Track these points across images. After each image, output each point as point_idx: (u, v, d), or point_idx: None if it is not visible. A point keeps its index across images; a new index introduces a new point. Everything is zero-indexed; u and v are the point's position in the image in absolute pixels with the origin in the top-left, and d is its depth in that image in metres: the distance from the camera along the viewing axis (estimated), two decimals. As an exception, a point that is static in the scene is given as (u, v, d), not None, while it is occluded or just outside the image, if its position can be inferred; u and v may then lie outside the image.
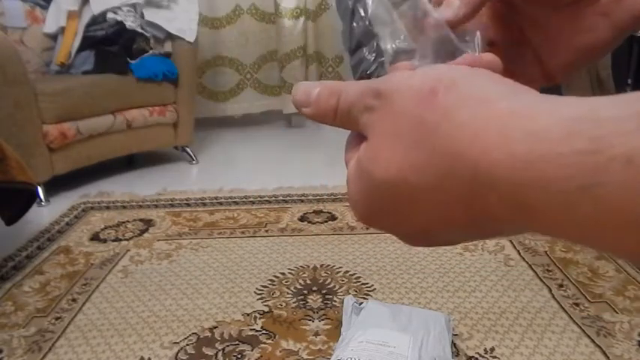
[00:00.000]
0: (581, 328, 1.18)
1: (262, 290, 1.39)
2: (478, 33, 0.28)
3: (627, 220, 0.15)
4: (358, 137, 0.27)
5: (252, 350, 1.15)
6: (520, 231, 0.20)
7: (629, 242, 0.16)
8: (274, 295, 1.36)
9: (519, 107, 0.19)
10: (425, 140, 0.21)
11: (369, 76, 0.28)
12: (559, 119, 0.17)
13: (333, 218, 1.85)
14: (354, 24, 0.29)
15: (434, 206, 0.22)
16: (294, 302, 1.33)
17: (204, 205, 2.02)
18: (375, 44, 0.29)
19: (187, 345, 1.18)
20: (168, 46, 2.47)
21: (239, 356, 1.14)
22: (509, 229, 0.21)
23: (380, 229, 0.26)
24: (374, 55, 0.29)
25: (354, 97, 0.25)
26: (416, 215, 0.23)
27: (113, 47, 2.38)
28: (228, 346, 1.17)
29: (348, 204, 0.26)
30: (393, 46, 0.28)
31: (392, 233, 0.25)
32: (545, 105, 0.18)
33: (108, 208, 2.03)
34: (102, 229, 1.82)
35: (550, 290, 1.34)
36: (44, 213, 1.99)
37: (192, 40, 2.46)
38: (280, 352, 1.14)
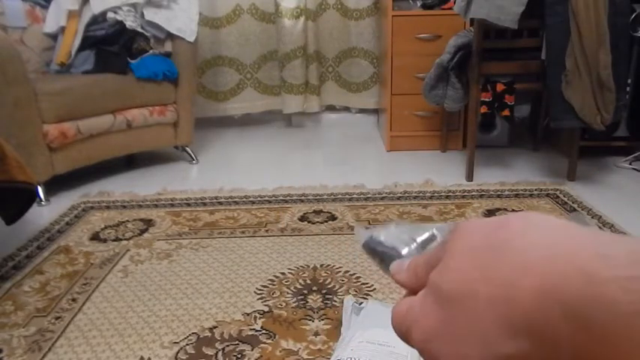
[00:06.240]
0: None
1: (262, 290, 1.39)
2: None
3: None
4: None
5: (252, 350, 1.15)
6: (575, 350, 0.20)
7: None
8: (274, 295, 1.36)
9: (591, 232, 0.21)
10: (495, 254, 0.22)
11: None
12: (626, 249, 0.19)
13: (333, 218, 1.85)
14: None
15: (495, 319, 0.21)
16: (294, 302, 1.33)
17: (204, 204, 2.02)
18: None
19: (187, 345, 1.18)
20: (168, 46, 2.47)
21: (239, 356, 1.14)
22: (565, 346, 0.20)
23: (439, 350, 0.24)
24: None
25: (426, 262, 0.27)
26: (476, 333, 0.22)
27: (113, 47, 2.38)
28: (228, 345, 1.17)
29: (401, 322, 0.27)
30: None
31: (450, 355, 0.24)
32: (613, 236, 0.20)
33: (108, 207, 2.02)
34: (102, 229, 1.82)
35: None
36: (44, 213, 1.99)
37: (192, 39, 2.46)
38: (280, 352, 1.14)
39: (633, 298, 0.17)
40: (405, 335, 0.26)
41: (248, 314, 1.29)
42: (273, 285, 1.42)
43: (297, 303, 1.32)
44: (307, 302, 1.33)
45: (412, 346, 0.26)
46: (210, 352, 1.15)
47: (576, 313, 0.18)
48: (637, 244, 0.19)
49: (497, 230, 0.23)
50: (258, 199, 2.06)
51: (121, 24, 2.38)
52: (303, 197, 2.06)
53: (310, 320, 1.25)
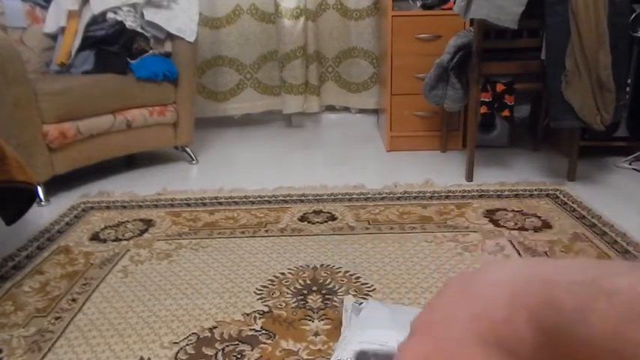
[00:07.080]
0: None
1: (262, 290, 1.39)
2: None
3: (607, 347, 0.19)
4: None
5: (252, 350, 1.15)
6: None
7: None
8: (274, 295, 1.36)
9: (554, 259, 0.25)
10: (473, 284, 0.26)
11: None
12: (579, 263, 0.23)
13: (333, 218, 1.85)
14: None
15: (469, 337, 0.24)
16: (294, 302, 1.33)
17: (204, 205, 2.02)
18: None
19: (187, 345, 1.18)
20: (168, 46, 2.47)
21: (239, 356, 1.13)
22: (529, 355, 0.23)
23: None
24: None
25: None
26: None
27: (113, 47, 2.38)
28: (228, 346, 1.17)
29: None
30: None
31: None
32: (572, 260, 0.24)
33: (108, 208, 2.02)
34: (102, 229, 1.82)
35: (550, 290, 1.33)
36: (44, 213, 1.99)
37: (192, 40, 2.46)
38: (280, 352, 1.14)
39: (574, 298, 0.20)
40: None
41: (248, 314, 1.29)
42: (273, 285, 1.42)
43: (297, 303, 1.32)
44: (307, 302, 1.33)
45: None
46: (210, 352, 1.15)
47: (538, 317, 0.21)
48: (589, 262, 0.22)
49: (474, 271, 0.26)
50: (258, 199, 2.06)
51: (121, 24, 2.39)
52: (303, 197, 2.06)
53: (310, 320, 1.25)
